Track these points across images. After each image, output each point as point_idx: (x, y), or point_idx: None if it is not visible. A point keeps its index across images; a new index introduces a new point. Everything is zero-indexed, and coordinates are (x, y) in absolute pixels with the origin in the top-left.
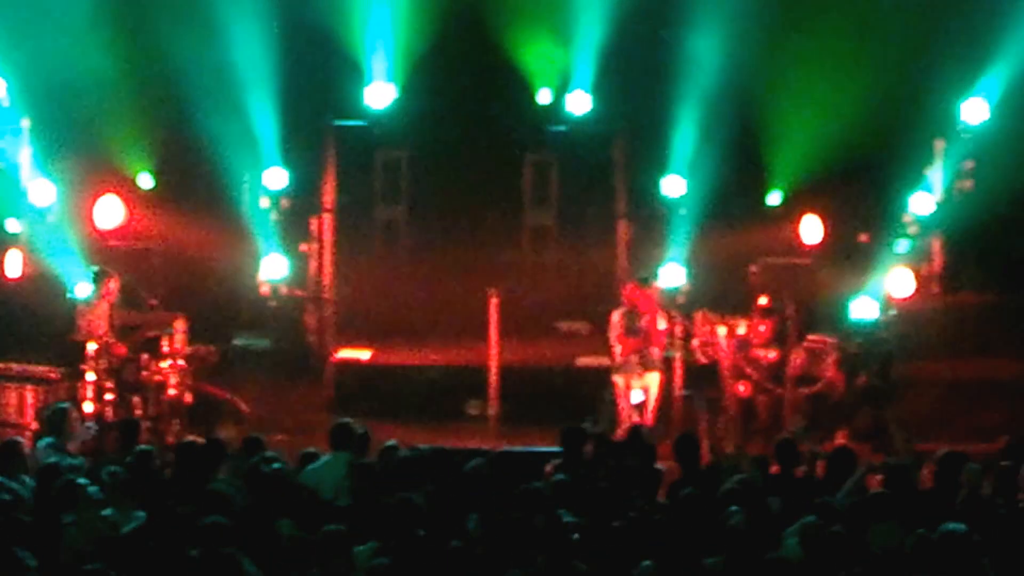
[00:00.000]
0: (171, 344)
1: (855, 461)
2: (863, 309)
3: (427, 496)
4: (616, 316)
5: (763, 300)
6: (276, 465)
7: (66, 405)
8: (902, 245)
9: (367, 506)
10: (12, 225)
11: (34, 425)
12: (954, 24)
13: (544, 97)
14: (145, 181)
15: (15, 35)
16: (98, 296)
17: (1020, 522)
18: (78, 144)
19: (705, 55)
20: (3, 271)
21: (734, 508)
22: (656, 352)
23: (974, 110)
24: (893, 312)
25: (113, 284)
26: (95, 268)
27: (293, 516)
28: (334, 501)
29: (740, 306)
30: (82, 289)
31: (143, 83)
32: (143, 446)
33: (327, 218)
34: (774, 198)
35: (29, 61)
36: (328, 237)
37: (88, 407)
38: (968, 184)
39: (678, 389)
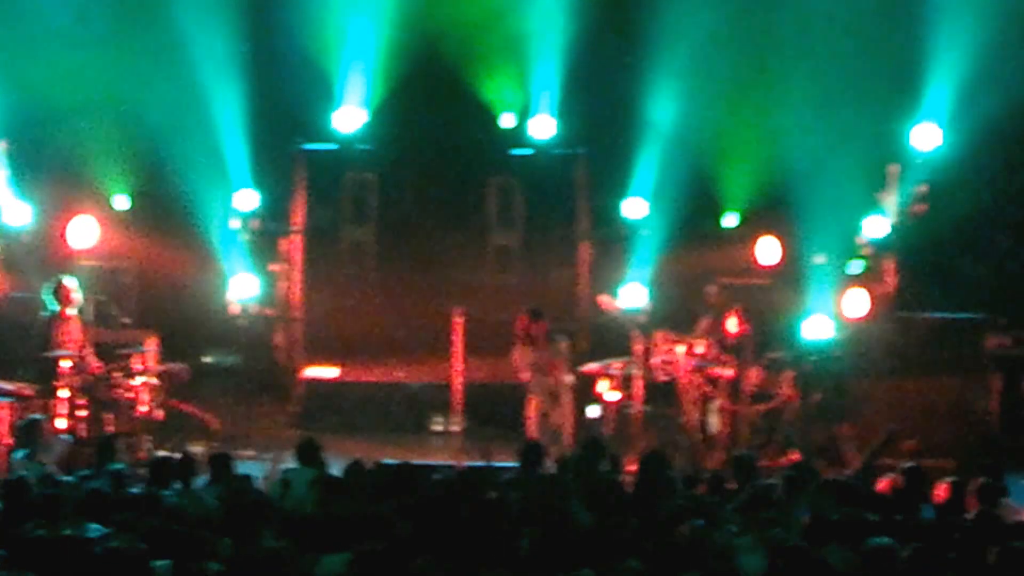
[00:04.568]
0: (143, 361)
1: (813, 477)
2: (818, 328)
3: (393, 510)
4: (516, 353)
5: (732, 324)
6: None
7: (39, 417)
8: (856, 266)
9: (333, 519)
10: None
11: (8, 440)
12: (907, 50)
13: (508, 121)
14: (121, 202)
15: None
16: (62, 306)
17: (969, 536)
18: (54, 165)
19: (663, 81)
20: None
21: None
22: (560, 381)
23: (927, 135)
24: (847, 331)
25: (70, 285)
26: (50, 283)
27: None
28: (297, 514)
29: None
30: (49, 305)
31: (118, 106)
32: (116, 464)
33: (296, 239)
34: (732, 220)
35: (6, 85)
36: (297, 257)
37: (61, 423)
38: (922, 207)
39: (638, 406)
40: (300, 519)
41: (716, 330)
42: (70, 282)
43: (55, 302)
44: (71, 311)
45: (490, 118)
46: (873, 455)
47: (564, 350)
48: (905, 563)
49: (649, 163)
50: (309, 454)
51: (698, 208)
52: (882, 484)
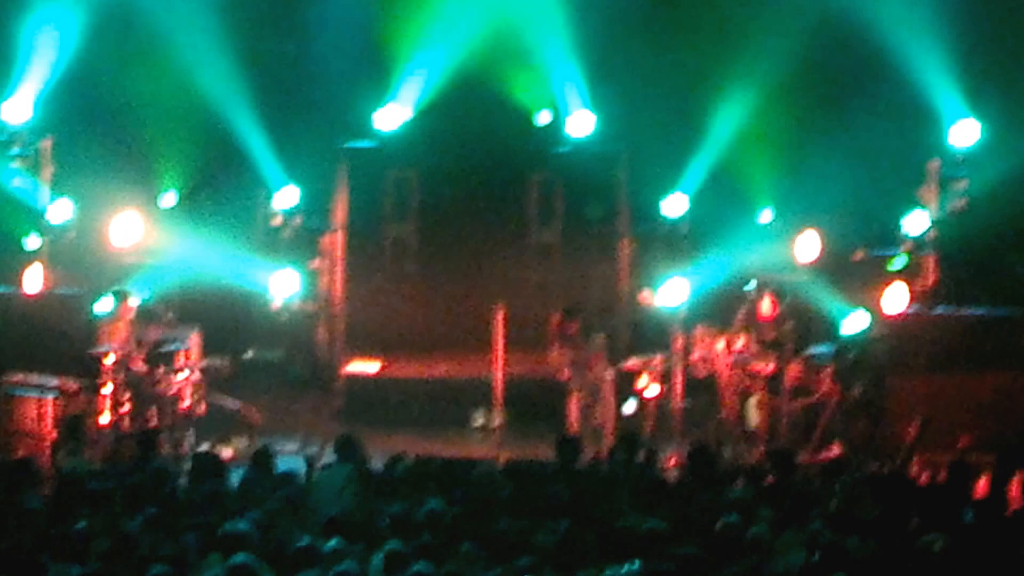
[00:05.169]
0: (186, 357)
1: (850, 470)
2: (858, 323)
3: (434, 504)
4: (554, 353)
5: (766, 306)
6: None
7: (83, 413)
8: (898, 262)
9: (372, 515)
10: (32, 241)
11: (52, 435)
12: (947, 45)
13: (549, 119)
14: (168, 200)
15: (42, 56)
16: (118, 313)
17: (1012, 529)
18: (99, 163)
19: (702, 77)
20: (23, 286)
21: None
22: (599, 376)
23: (967, 131)
24: (888, 327)
25: (132, 302)
26: (116, 288)
27: (305, 526)
28: (335, 510)
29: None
30: (103, 305)
31: (163, 102)
32: (156, 461)
33: (338, 235)
34: (772, 216)
35: (54, 82)
36: (339, 254)
37: (105, 418)
38: (962, 203)
39: (678, 401)
40: (338, 515)
41: (753, 320)
42: (135, 296)
43: (114, 307)
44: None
45: (529, 115)
46: (910, 448)
47: (601, 344)
48: (943, 556)
49: (688, 159)
50: (348, 449)
51: (737, 203)
52: (923, 479)
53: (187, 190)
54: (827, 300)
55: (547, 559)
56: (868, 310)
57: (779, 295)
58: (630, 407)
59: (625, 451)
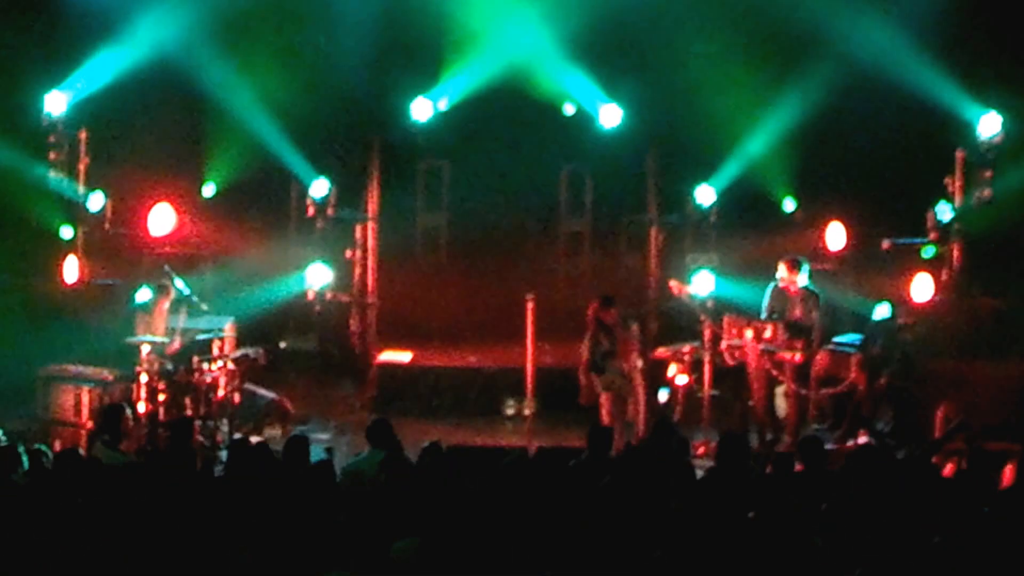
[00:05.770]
0: (221, 347)
1: (877, 459)
2: (884, 313)
3: (466, 491)
4: (584, 344)
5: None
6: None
7: (121, 404)
8: (927, 251)
9: (403, 500)
10: (68, 232)
11: (89, 424)
12: (977, 37)
13: (578, 110)
14: (205, 191)
15: (78, 50)
16: (155, 303)
17: None
18: (134, 154)
19: (732, 67)
20: (61, 277)
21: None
22: (630, 366)
23: (993, 121)
24: (914, 315)
25: (169, 292)
26: (153, 278)
27: (334, 509)
28: (368, 497)
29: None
30: (141, 295)
31: (196, 94)
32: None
33: (371, 226)
34: (800, 206)
35: (90, 76)
36: (372, 244)
37: (141, 407)
38: (987, 192)
39: (707, 390)
40: (371, 501)
41: (780, 306)
42: (172, 286)
43: (155, 297)
44: (164, 305)
45: (559, 106)
46: (941, 441)
47: (635, 334)
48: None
49: (716, 150)
50: (380, 436)
51: (764, 193)
52: (948, 468)
53: (223, 181)
54: (854, 290)
55: (577, 548)
56: (895, 299)
57: (793, 263)
58: (664, 395)
59: (658, 440)
